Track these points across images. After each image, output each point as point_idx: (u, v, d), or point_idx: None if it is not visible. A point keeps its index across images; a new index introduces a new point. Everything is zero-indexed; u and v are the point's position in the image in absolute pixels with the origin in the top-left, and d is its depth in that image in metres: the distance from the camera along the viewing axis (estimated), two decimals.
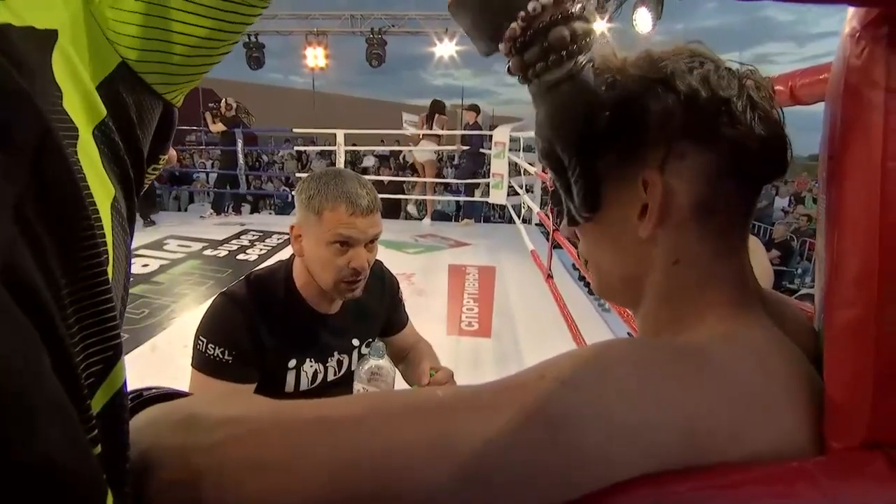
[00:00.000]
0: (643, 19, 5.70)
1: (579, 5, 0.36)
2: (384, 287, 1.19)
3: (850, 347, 0.31)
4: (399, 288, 1.25)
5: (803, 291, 3.87)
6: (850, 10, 0.32)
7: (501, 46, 0.38)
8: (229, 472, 0.30)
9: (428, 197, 6.35)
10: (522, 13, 0.36)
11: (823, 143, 0.37)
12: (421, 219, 6.41)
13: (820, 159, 0.39)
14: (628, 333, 2.87)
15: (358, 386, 0.94)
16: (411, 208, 7.12)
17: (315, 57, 8.92)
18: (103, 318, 0.26)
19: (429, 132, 5.99)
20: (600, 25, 7.14)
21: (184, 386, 0.98)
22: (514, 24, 0.36)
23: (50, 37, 0.27)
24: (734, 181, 0.39)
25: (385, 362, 0.94)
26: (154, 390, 0.44)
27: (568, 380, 0.31)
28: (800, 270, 5.13)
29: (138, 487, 0.31)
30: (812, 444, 0.32)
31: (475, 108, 6.36)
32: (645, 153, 0.40)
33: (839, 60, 0.33)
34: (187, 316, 3.07)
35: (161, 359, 2.56)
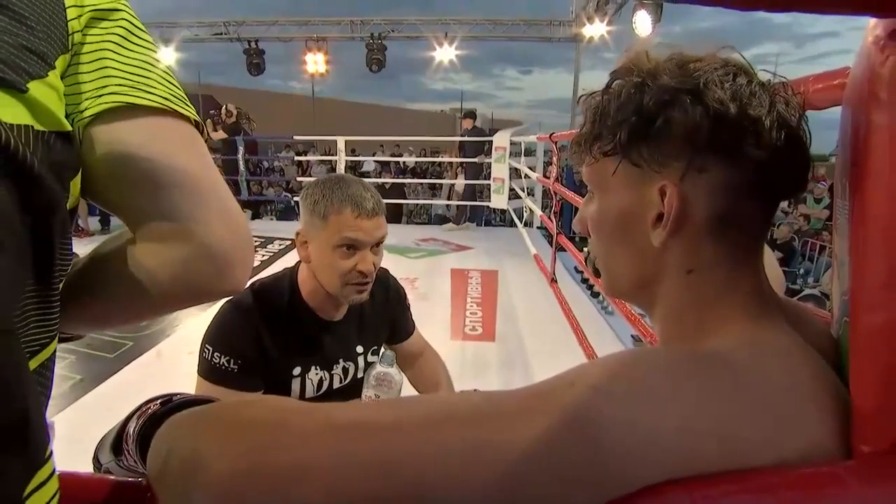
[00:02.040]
0: (643, 22, 5.72)
1: None
2: (388, 294, 1.19)
3: (877, 351, 0.32)
4: (405, 295, 1.25)
5: (806, 292, 3.87)
6: (873, 18, 0.33)
7: None
8: (278, 476, 0.30)
9: (427, 201, 6.34)
10: None
11: (843, 149, 0.37)
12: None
13: (838, 164, 0.39)
14: (632, 336, 2.87)
15: (365, 392, 0.94)
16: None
17: (315, 62, 8.96)
18: None
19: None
20: (599, 28, 7.17)
21: (190, 392, 0.99)
22: None
23: None
24: (753, 197, 0.39)
25: (393, 370, 0.95)
26: (181, 395, 0.44)
27: (600, 387, 0.31)
28: (802, 271, 5.13)
29: (186, 489, 0.31)
30: (840, 450, 0.33)
31: (472, 115, 6.39)
32: (666, 162, 0.39)
33: (861, 68, 0.34)
34: (192, 323, 3.06)
35: (166, 365, 2.56)
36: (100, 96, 0.37)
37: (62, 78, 0.35)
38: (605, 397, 0.31)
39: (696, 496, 0.30)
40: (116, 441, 0.44)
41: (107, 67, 0.37)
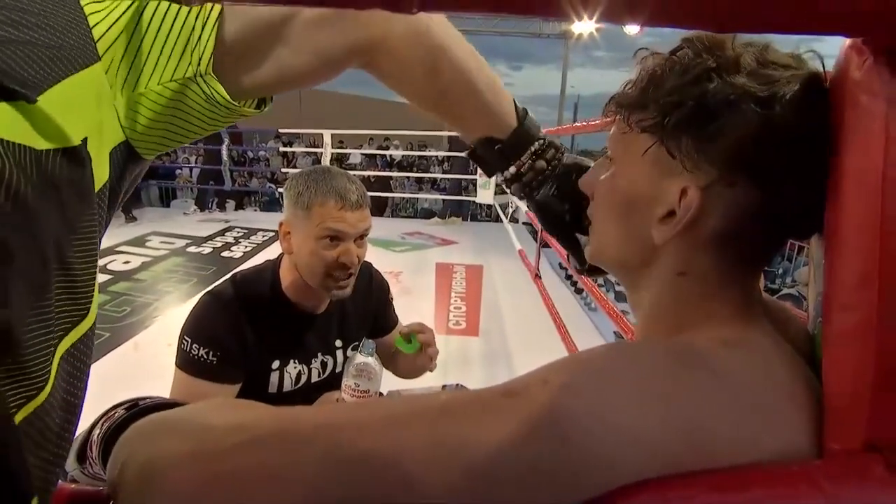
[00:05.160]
0: None
1: (529, 163, 0.57)
2: (371, 288, 1.18)
3: (849, 350, 0.32)
4: (388, 289, 1.25)
5: (784, 291, 3.95)
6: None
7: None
8: (238, 481, 0.29)
9: (412, 195, 6.33)
10: (502, 178, 0.60)
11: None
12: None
13: None
14: (614, 332, 2.91)
15: (345, 382, 0.94)
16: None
17: None
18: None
19: None
20: (589, 26, 7.18)
21: (167, 384, 0.97)
22: (501, 180, 0.60)
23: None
24: (767, 226, 0.37)
25: (372, 360, 0.94)
26: (148, 399, 0.43)
27: (571, 384, 0.31)
28: (780, 270, 5.23)
29: (142, 497, 0.30)
30: (814, 449, 0.33)
31: None
32: (700, 164, 0.36)
33: (839, 70, 0.34)
34: (170, 314, 3.02)
35: (143, 357, 2.52)
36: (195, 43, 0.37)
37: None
38: (578, 395, 0.30)
39: (670, 496, 0.30)
40: (81, 448, 0.43)
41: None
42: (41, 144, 0.28)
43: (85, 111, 0.32)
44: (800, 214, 0.37)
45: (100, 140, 0.34)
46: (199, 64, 0.37)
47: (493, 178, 0.64)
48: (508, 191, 0.62)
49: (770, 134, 0.35)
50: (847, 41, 0.33)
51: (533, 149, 0.57)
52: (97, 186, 0.33)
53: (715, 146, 0.36)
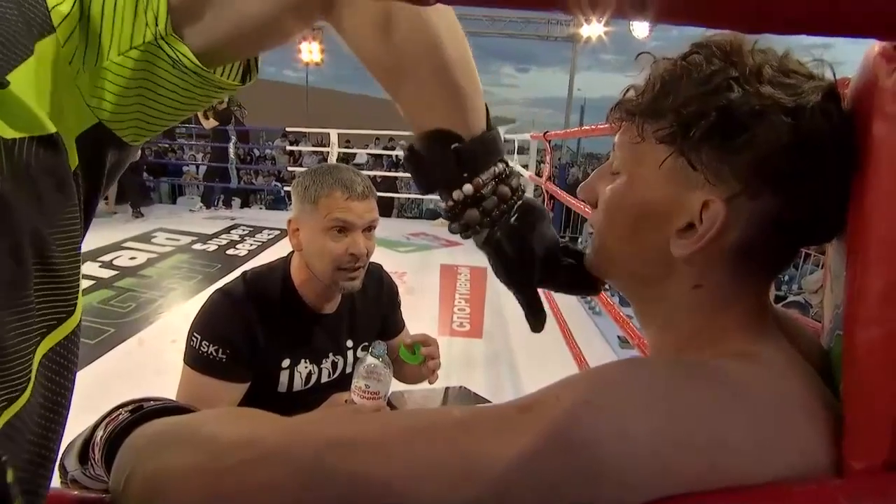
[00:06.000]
0: (640, 24, 5.73)
1: (492, 184, 0.45)
2: (382, 290, 1.19)
3: (872, 366, 0.31)
4: (398, 292, 1.25)
5: (791, 299, 3.92)
6: None
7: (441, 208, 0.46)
8: (244, 498, 0.29)
9: (418, 196, 6.33)
10: (451, 201, 0.45)
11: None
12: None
13: None
14: (618, 337, 2.89)
15: (355, 383, 0.94)
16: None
17: (310, 51, 8.88)
18: None
19: None
20: (597, 29, 7.18)
21: (171, 381, 0.97)
22: (448, 203, 0.45)
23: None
24: (791, 234, 0.37)
25: (382, 362, 0.94)
26: (153, 402, 0.42)
27: (587, 401, 0.30)
28: (786, 277, 5.20)
29: None
30: (831, 464, 0.32)
31: None
32: (725, 176, 0.35)
33: (866, 79, 0.33)
34: (175, 310, 3.03)
35: (148, 353, 2.53)
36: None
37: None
38: (592, 411, 0.30)
39: None
40: (83, 449, 0.43)
41: None
42: (9, 133, 0.26)
43: (51, 90, 0.30)
44: (818, 222, 0.36)
45: (62, 122, 0.31)
46: (156, 24, 0.34)
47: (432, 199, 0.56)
48: (448, 224, 0.47)
49: (798, 144, 0.34)
50: (876, 48, 0.32)
51: (497, 169, 0.45)
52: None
53: (740, 158, 0.35)
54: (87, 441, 0.42)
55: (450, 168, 0.43)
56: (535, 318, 0.50)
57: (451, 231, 0.47)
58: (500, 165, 0.45)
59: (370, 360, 0.94)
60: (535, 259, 0.46)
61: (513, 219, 0.46)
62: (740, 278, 0.38)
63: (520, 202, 0.46)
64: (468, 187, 0.44)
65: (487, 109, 0.45)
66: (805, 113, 0.34)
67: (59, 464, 0.45)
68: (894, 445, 0.30)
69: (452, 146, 0.43)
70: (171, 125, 0.39)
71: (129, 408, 0.42)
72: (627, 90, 0.41)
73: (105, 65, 0.33)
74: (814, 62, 0.37)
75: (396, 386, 1.16)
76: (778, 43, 0.37)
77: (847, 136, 0.34)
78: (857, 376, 0.32)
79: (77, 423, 0.46)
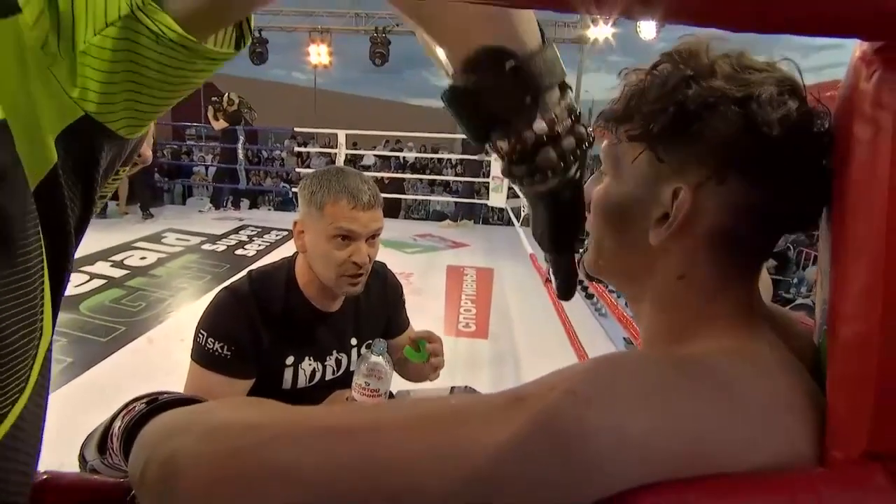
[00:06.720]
0: (647, 26, 5.72)
1: (568, 121, 0.38)
2: (386, 289, 1.20)
3: (853, 360, 0.32)
4: (402, 291, 1.26)
5: (799, 301, 3.89)
6: None
7: (490, 147, 0.40)
8: (254, 481, 0.30)
9: (425, 197, 6.35)
10: (510, 139, 0.37)
11: (827, 159, 0.38)
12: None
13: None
14: (624, 338, 2.89)
15: (356, 380, 0.95)
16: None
17: (318, 54, 8.93)
18: None
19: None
20: (605, 31, 7.17)
21: (179, 378, 0.99)
22: (501, 143, 0.38)
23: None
24: (763, 220, 0.38)
25: (383, 360, 0.95)
26: (167, 395, 0.44)
27: (577, 392, 0.31)
28: (795, 280, 5.16)
29: (163, 494, 0.31)
30: (815, 457, 0.33)
31: None
32: (689, 165, 0.38)
33: (848, 82, 0.34)
34: (184, 310, 3.06)
35: (157, 352, 2.56)
36: None
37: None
38: (583, 402, 0.31)
39: (667, 501, 0.30)
40: (102, 439, 0.44)
41: None
42: None
43: (5, 74, 0.26)
44: (794, 209, 0.38)
45: (30, 118, 0.28)
46: None
47: (506, 180, 0.47)
48: (506, 168, 0.40)
49: (750, 131, 0.36)
50: (857, 52, 0.33)
51: (566, 102, 0.37)
52: (40, 174, 0.28)
53: (699, 147, 0.38)
54: (106, 432, 0.44)
55: (507, 93, 0.35)
56: (569, 284, 0.47)
57: (508, 175, 0.40)
58: (570, 95, 0.38)
59: (371, 358, 0.95)
60: (583, 220, 0.44)
61: (574, 169, 0.40)
62: (724, 269, 0.40)
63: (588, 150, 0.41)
64: (541, 124, 0.36)
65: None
66: (753, 102, 0.36)
67: (79, 454, 0.47)
68: (874, 436, 0.31)
69: (507, 66, 0.34)
70: (166, 110, 0.35)
71: (145, 400, 0.44)
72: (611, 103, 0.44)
73: (83, 48, 0.30)
74: (783, 61, 0.40)
75: (402, 384, 1.17)
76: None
77: (807, 124, 0.37)
78: (839, 369, 0.33)
79: (91, 416, 0.49)
